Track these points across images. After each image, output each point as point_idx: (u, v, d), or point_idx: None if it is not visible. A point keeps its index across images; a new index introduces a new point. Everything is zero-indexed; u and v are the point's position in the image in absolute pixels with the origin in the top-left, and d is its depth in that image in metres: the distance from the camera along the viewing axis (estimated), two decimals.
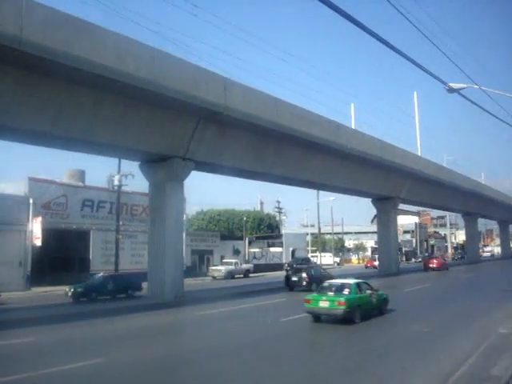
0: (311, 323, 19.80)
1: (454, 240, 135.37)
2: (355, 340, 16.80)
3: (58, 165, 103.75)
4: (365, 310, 20.04)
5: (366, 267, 72.44)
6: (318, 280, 32.89)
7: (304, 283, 34.28)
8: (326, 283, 21.99)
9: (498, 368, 11.28)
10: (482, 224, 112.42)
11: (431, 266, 58.92)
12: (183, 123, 28.56)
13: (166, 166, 29.79)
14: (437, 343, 15.19)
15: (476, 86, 21.30)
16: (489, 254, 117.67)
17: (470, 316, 21.38)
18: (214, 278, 51.58)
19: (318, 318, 20.11)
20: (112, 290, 31.05)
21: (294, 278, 35.34)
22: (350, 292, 19.75)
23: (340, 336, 17.80)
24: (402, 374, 11.73)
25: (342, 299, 18.97)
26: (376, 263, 68.08)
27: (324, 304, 19.34)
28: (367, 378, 11.62)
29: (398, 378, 11.51)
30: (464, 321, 20.04)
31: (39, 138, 25.36)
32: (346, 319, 18.90)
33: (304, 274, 35.04)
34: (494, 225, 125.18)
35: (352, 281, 21.37)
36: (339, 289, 20.20)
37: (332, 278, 30.22)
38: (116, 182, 43.33)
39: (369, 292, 20.97)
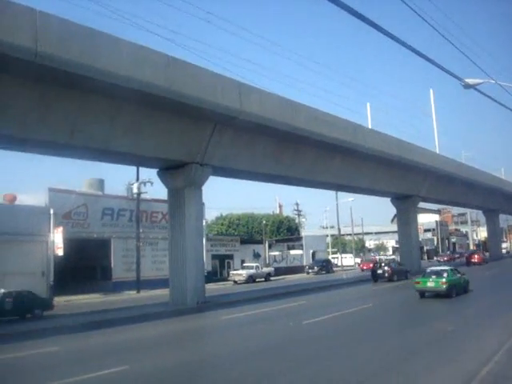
0: (419, 299, 27.79)
1: (475, 237, 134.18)
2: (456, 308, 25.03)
3: (76, 174, 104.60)
4: (457, 289, 27.93)
5: (363, 270, 64.03)
6: (397, 272, 43.36)
7: (386, 275, 42.43)
8: (428, 270, 29.86)
9: None
10: (504, 220, 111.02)
11: (473, 260, 64.45)
12: (200, 129, 28.65)
13: (184, 172, 29.88)
14: (462, 341, 15.13)
15: (492, 81, 21.07)
16: (504, 251, 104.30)
17: (495, 312, 21.17)
18: (235, 282, 51.53)
19: (423, 294, 28.10)
20: (11, 310, 25.90)
21: (380, 271, 43.24)
22: (447, 275, 27.74)
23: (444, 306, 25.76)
24: None
25: (444, 280, 27.22)
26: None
27: (431, 284, 27.56)
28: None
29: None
30: (489, 318, 19.84)
31: (57, 149, 25.59)
32: (447, 295, 27.03)
33: (387, 268, 43.40)
34: None
35: (447, 267, 29.81)
36: (439, 273, 28.17)
37: (407, 270, 44.77)
38: (135, 190, 43.71)
39: (458, 275, 28.96)
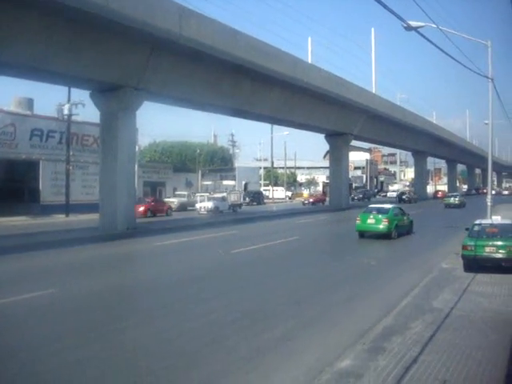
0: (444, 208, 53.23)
1: (403, 177, 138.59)
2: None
3: (3, 92, 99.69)
4: (463, 204, 55.89)
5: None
6: (413, 197, 70.57)
7: (407, 199, 68.13)
8: (448, 194, 67.44)
9: (440, 301, 11.79)
10: (431, 163, 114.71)
11: (438, 195, 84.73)
12: (136, 52, 27.72)
13: (118, 96, 29.06)
14: (383, 275, 15.83)
15: (434, 26, 21.15)
16: (394, 194, 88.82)
17: (415, 251, 22.12)
18: None
19: (447, 206, 55.38)
20: None
21: (403, 197, 69.92)
22: (459, 197, 58.74)
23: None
24: None
25: (458, 198, 57.42)
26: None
27: (452, 201, 56.59)
28: None
29: None
30: (409, 255, 20.73)
31: None
32: (459, 206, 54.87)
33: (407, 195, 72.24)
34: (442, 164, 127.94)
35: (458, 193, 68.15)
36: (455, 196, 59.55)
37: (417, 197, 73.45)
38: (66, 111, 42.19)
39: (462, 198, 59.53)
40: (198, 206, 48.40)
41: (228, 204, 49.60)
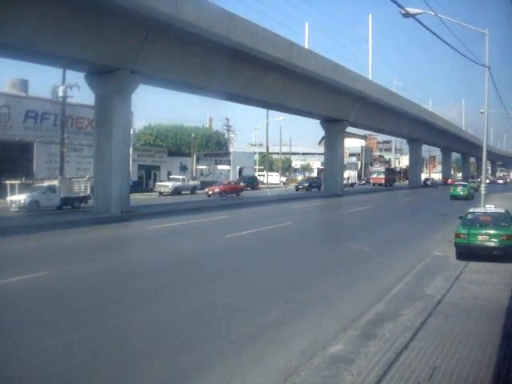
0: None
1: (397, 164, 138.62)
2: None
3: None
4: (472, 193, 50.91)
5: None
6: (435, 184, 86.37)
7: (430, 184, 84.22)
8: (455, 183, 66.59)
9: (432, 288, 11.87)
10: (426, 150, 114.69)
11: (448, 182, 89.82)
12: (132, 34, 27.48)
13: (113, 78, 28.86)
14: (376, 262, 15.88)
15: (432, 13, 21.09)
16: (347, 181, 79.47)
17: (408, 238, 22.21)
18: (161, 193, 51.35)
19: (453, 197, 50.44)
20: None
21: (428, 182, 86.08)
22: (465, 187, 52.59)
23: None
24: None
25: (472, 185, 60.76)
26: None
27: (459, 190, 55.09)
28: None
29: None
30: (403, 242, 20.80)
31: None
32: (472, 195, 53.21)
33: (431, 181, 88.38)
34: (437, 152, 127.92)
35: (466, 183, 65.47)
36: (464, 185, 53.11)
37: (439, 183, 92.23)
38: (61, 94, 41.87)
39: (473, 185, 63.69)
40: (8, 199, 32.32)
41: (59, 197, 32.79)
